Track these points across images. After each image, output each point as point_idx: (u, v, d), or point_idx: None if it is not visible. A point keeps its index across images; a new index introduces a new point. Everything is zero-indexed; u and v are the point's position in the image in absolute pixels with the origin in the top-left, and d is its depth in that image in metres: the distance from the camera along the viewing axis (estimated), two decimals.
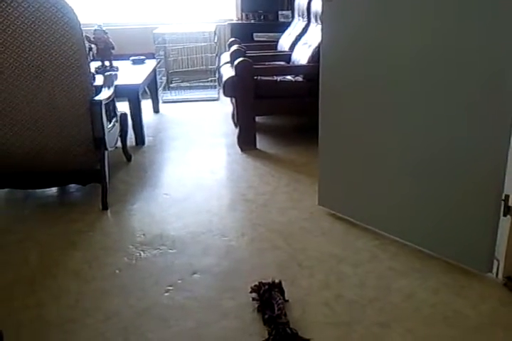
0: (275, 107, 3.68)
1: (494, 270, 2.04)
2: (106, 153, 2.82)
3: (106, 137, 2.77)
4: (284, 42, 4.62)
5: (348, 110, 2.38)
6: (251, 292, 1.95)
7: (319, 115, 2.51)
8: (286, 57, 4.30)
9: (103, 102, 2.73)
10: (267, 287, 1.92)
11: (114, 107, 3.12)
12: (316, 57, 3.29)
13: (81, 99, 2.65)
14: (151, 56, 4.82)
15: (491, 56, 1.82)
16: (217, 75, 5.11)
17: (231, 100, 4.12)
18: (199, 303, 1.96)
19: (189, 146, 3.80)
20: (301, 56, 3.90)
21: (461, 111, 1.96)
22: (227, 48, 4.73)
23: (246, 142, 3.65)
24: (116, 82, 3.16)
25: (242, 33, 5.35)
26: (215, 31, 5.24)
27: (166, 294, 2.02)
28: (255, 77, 3.54)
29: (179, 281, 2.10)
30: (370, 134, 2.32)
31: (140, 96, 3.83)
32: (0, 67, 2.52)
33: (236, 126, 3.90)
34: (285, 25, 4.91)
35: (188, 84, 5.46)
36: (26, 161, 2.74)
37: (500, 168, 1.89)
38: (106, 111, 2.80)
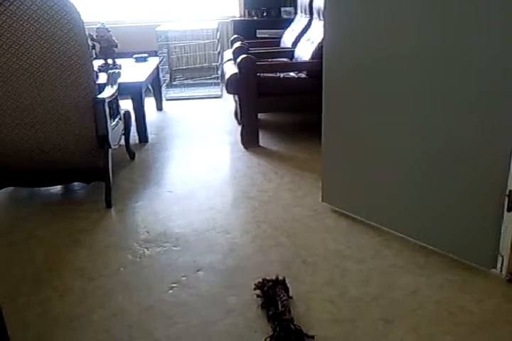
0: (278, 104, 3.68)
1: (498, 266, 2.04)
2: (109, 151, 2.82)
3: (109, 135, 2.77)
4: (287, 39, 4.61)
5: (351, 107, 2.38)
6: (255, 289, 1.95)
7: (322, 112, 2.51)
8: (289, 53, 4.30)
9: (106, 100, 2.73)
10: (271, 284, 1.93)
11: (118, 105, 3.12)
12: (319, 53, 3.28)
13: (84, 97, 2.65)
14: (154, 54, 4.83)
15: (494, 54, 1.81)
16: (220, 72, 5.11)
17: (234, 97, 4.11)
18: (203, 300, 1.96)
19: (192, 144, 3.80)
20: (304, 52, 3.89)
21: (465, 106, 1.95)
22: (229, 45, 4.73)
23: (249, 139, 3.65)
24: (119, 80, 3.16)
25: (244, 29, 5.35)
26: (217, 28, 5.24)
27: (171, 291, 2.03)
28: (258, 74, 3.53)
29: (183, 278, 2.11)
30: (373, 131, 2.32)
31: (143, 94, 3.84)
32: (3, 65, 2.53)
33: (239, 123, 3.91)
34: (288, 22, 4.90)
35: (191, 82, 5.47)
36: (30, 159, 2.74)
37: (504, 163, 1.89)
38: (109, 109, 2.81)
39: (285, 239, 2.40)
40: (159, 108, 4.80)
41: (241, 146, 3.66)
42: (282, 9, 5.49)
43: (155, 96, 4.75)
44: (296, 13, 4.95)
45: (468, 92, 1.93)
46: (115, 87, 2.99)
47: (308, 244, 2.34)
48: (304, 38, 4.17)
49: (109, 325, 1.84)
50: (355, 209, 2.53)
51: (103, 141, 2.76)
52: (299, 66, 3.84)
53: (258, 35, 5.40)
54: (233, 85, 3.57)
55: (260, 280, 1.97)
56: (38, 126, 2.66)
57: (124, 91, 3.28)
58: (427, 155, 2.13)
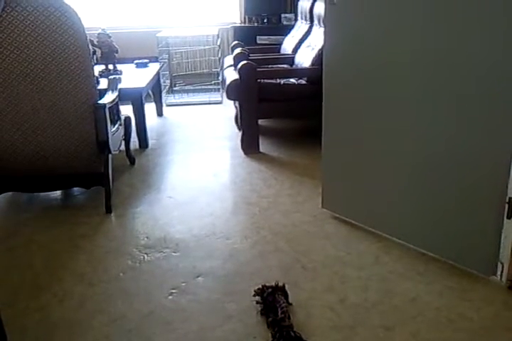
0: (278, 110, 3.69)
1: (498, 273, 2.03)
2: (110, 156, 2.82)
3: (110, 140, 2.78)
4: (287, 45, 4.63)
5: (352, 113, 2.39)
6: (254, 295, 1.95)
7: (322, 118, 2.51)
8: (290, 60, 4.31)
9: (107, 106, 2.74)
10: (270, 290, 1.92)
11: (118, 111, 3.13)
12: (319, 59, 3.29)
13: (85, 103, 2.66)
14: (155, 59, 4.84)
15: (495, 60, 1.82)
16: (220, 78, 5.12)
17: (234, 103, 4.12)
18: (203, 306, 1.96)
19: (192, 149, 3.81)
20: (305, 59, 3.90)
21: (465, 113, 1.96)
22: (230, 51, 4.74)
23: (249, 145, 3.66)
24: (120, 86, 3.17)
25: (245, 36, 5.37)
26: (218, 34, 5.26)
27: (170, 297, 2.03)
28: (258, 80, 3.54)
29: (183, 284, 2.11)
30: (373, 137, 2.32)
31: (144, 100, 3.84)
32: (4, 71, 2.54)
33: (239, 129, 3.91)
34: (288, 28, 4.92)
35: (192, 88, 5.47)
36: (30, 165, 2.75)
37: (504, 170, 1.89)
38: (110, 115, 2.81)
39: (285, 244, 2.40)
40: (160, 113, 4.81)
41: (241, 152, 3.66)
42: (283, 16, 5.51)
43: (155, 102, 4.76)
44: (296, 19, 4.97)
45: (468, 98, 1.93)
46: (116, 93, 3.00)
47: (307, 250, 2.34)
48: (304, 44, 4.18)
49: (108, 331, 1.84)
50: (355, 216, 2.53)
51: (103, 146, 2.77)
52: (300, 72, 3.85)
53: (258, 42, 5.41)
54: (234, 91, 3.58)
55: (260, 286, 1.97)
56: (38, 131, 2.67)
57: (124, 96, 3.28)
58: (427, 162, 2.13)
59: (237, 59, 3.83)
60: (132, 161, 3.52)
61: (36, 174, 2.82)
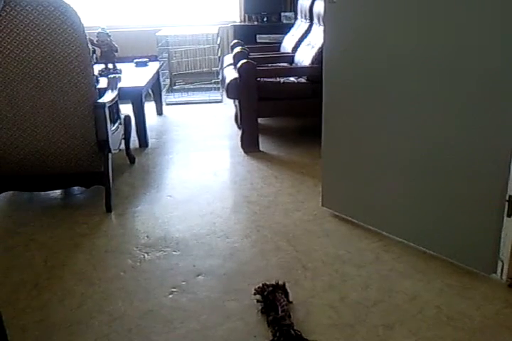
0: (278, 109, 3.68)
1: (498, 271, 2.03)
2: (110, 155, 2.82)
3: (110, 140, 2.78)
4: (287, 44, 4.63)
5: (351, 111, 2.38)
6: (255, 294, 1.95)
7: (322, 116, 2.51)
8: (290, 58, 4.31)
9: (107, 105, 2.74)
10: (271, 289, 1.92)
11: (118, 110, 3.12)
12: (319, 58, 3.29)
13: (84, 102, 2.66)
14: (155, 58, 4.84)
15: (493, 55, 1.82)
16: (220, 77, 5.12)
17: (234, 102, 4.12)
18: (203, 305, 1.96)
19: (192, 148, 3.80)
20: (305, 57, 3.90)
21: (465, 111, 1.95)
22: (230, 50, 4.74)
23: (249, 144, 3.66)
24: (119, 85, 3.17)
25: (245, 34, 5.36)
26: (218, 33, 5.25)
27: (170, 296, 2.03)
28: (258, 79, 3.54)
29: (183, 283, 2.11)
30: (373, 135, 2.32)
31: (143, 99, 3.84)
32: (4, 70, 2.54)
33: (239, 127, 3.91)
34: (288, 27, 4.92)
35: (192, 86, 5.47)
36: (30, 164, 2.75)
37: (504, 169, 1.89)
38: (109, 114, 2.81)
39: (285, 243, 2.40)
40: (159, 112, 4.81)
41: (241, 151, 3.66)
42: (282, 14, 5.51)
43: (155, 101, 4.76)
44: (296, 18, 4.97)
45: (469, 96, 1.93)
46: (115, 92, 3.00)
47: (308, 249, 2.34)
48: (304, 42, 4.18)
49: (108, 330, 1.84)
50: (355, 214, 2.53)
51: (103, 145, 2.77)
52: (299, 71, 3.85)
53: (258, 40, 5.41)
54: (233, 90, 3.58)
55: (260, 285, 1.97)
56: (38, 130, 2.67)
57: (124, 95, 3.28)
58: (427, 160, 2.13)
59: (236, 58, 3.83)
60: (132, 160, 3.52)
61: (36, 173, 2.82)
